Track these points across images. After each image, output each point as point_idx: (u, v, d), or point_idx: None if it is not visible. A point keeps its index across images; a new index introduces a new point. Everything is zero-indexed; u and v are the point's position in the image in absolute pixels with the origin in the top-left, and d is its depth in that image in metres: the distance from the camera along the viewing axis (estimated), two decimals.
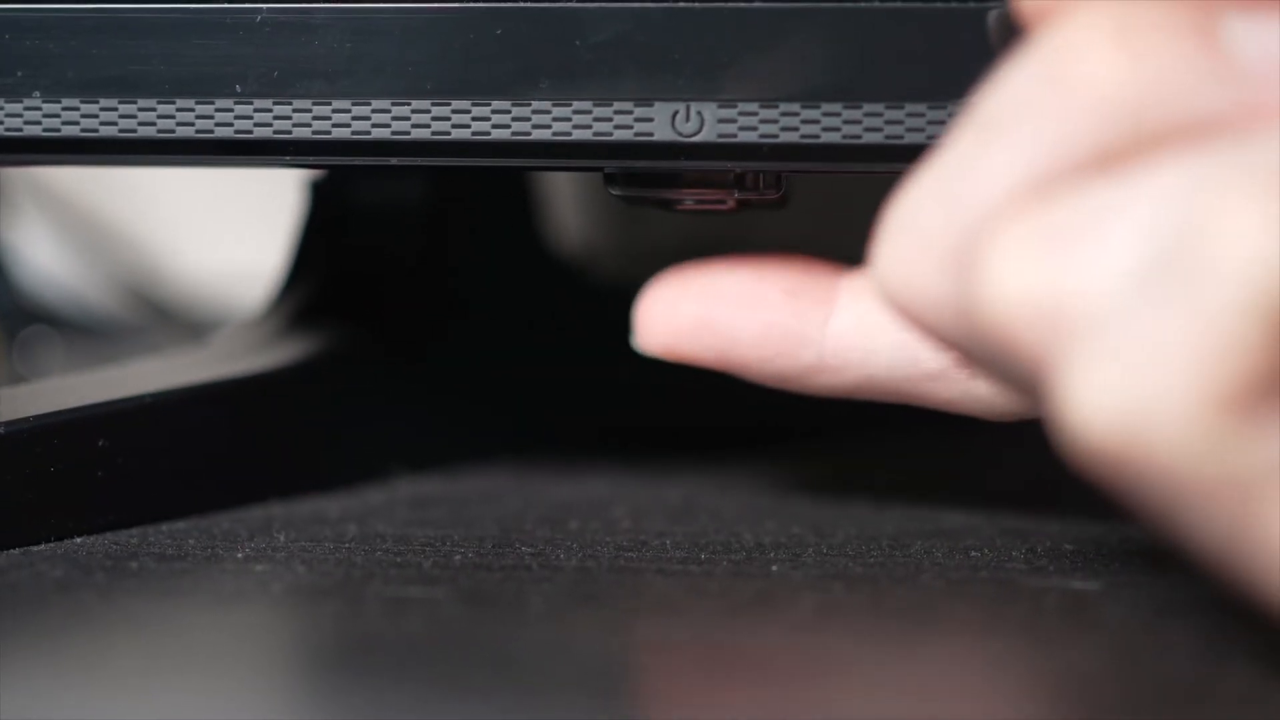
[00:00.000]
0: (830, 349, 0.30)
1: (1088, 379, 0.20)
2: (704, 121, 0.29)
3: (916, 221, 0.23)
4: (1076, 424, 0.20)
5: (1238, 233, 0.19)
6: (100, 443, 0.32)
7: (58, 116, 0.30)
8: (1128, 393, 0.20)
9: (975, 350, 0.22)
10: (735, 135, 0.29)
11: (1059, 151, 0.21)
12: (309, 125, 0.30)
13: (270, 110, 0.30)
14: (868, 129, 0.28)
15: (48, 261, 0.67)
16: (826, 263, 0.31)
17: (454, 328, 0.41)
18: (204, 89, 0.30)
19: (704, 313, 0.31)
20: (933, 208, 0.22)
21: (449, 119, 0.30)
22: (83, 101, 0.30)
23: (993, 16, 0.27)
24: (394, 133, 0.30)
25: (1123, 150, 0.21)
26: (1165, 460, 0.20)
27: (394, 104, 0.30)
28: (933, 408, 0.31)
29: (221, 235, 0.69)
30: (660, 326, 0.31)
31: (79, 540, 0.32)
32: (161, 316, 0.66)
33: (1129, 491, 0.21)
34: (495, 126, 0.29)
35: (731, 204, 0.31)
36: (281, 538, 0.32)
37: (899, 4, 0.28)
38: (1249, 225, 0.19)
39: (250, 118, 0.30)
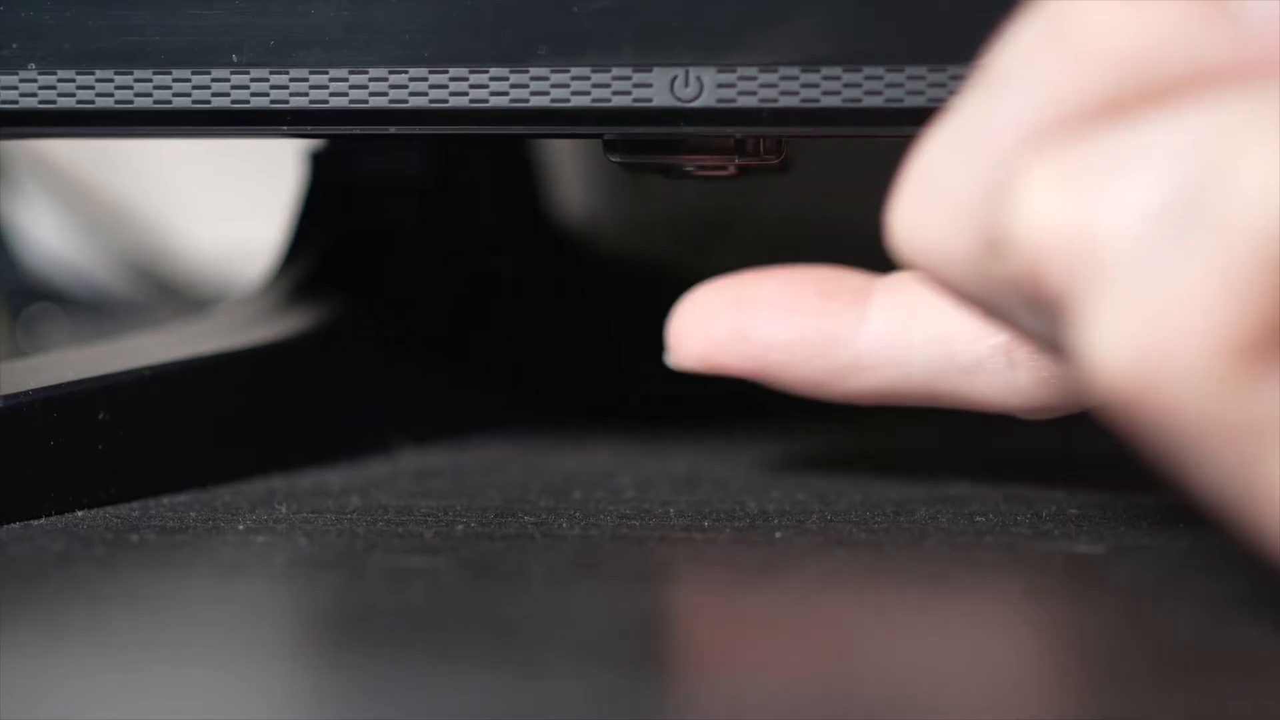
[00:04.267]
0: (865, 348, 0.31)
1: (1109, 317, 0.20)
2: (703, 86, 0.29)
3: (932, 175, 0.23)
4: (1096, 362, 0.21)
5: (1257, 180, 0.20)
6: (101, 416, 0.32)
7: (54, 88, 0.30)
8: (1146, 333, 0.20)
9: (995, 300, 0.23)
10: (734, 100, 0.29)
11: (1067, 102, 0.22)
12: (306, 94, 0.30)
13: (267, 80, 0.30)
14: (868, 92, 0.28)
15: (52, 240, 0.67)
16: (858, 270, 0.31)
17: (456, 299, 0.41)
18: (201, 59, 0.30)
19: (738, 321, 0.31)
20: (947, 161, 0.23)
21: (447, 87, 0.29)
22: (78, 73, 0.30)
23: None
24: (392, 101, 0.30)
25: (1130, 101, 0.21)
26: (1178, 403, 0.20)
27: (392, 72, 0.29)
28: (970, 408, 0.31)
29: (227, 210, 0.69)
30: (695, 339, 0.32)
31: (80, 513, 0.32)
32: (167, 293, 0.66)
33: (1143, 434, 0.21)
34: (494, 94, 0.29)
35: (732, 170, 0.31)
36: (283, 509, 0.32)
37: None
38: (1268, 173, 0.20)
39: (247, 88, 0.30)
